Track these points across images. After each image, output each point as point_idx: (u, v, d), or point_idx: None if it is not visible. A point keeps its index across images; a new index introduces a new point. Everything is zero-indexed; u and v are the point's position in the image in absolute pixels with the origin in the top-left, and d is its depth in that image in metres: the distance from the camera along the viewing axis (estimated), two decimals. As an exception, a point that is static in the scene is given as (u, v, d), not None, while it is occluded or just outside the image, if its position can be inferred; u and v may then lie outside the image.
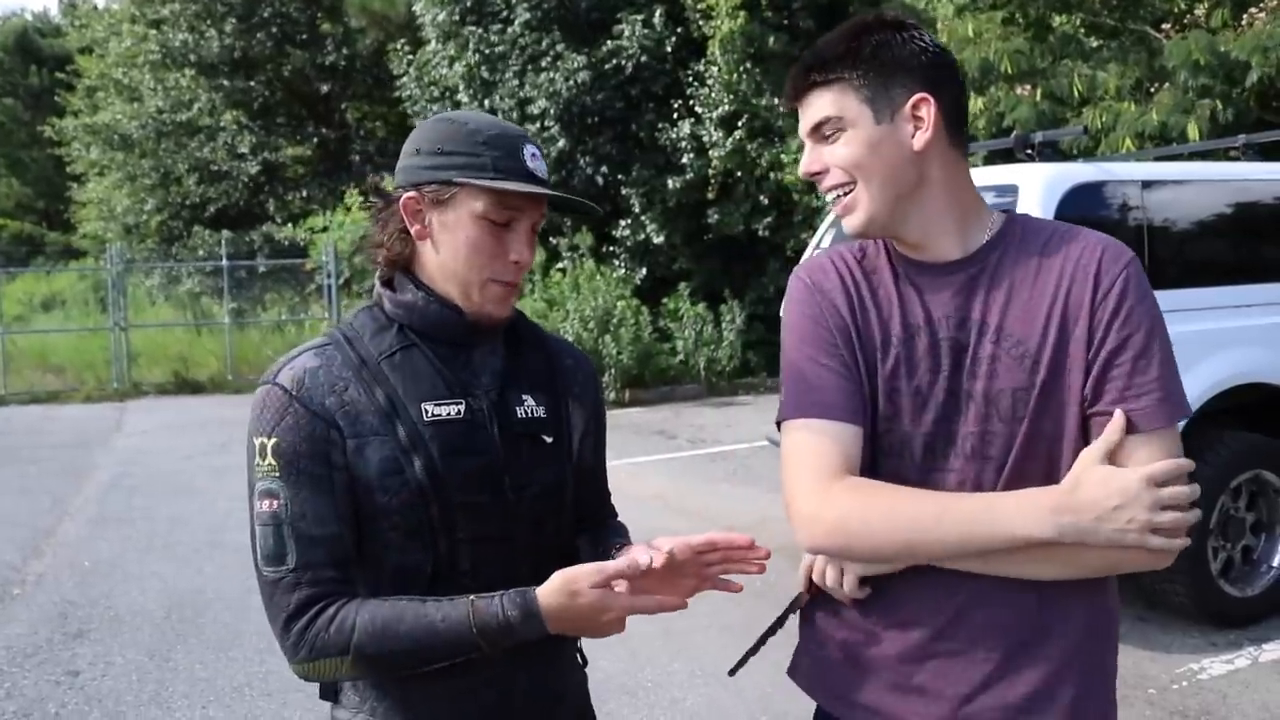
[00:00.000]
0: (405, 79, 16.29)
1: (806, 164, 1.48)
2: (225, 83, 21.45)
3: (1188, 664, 4.38)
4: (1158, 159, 6.59)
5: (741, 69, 12.85)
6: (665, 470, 8.44)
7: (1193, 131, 8.29)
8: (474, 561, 1.43)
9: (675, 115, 13.76)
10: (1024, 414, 1.39)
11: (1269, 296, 4.83)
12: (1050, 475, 1.39)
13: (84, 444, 10.33)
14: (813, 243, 6.24)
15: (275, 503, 1.38)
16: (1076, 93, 9.28)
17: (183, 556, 6.25)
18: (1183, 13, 9.88)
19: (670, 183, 13.62)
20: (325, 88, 22.53)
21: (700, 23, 13.44)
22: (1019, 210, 4.38)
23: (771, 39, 12.72)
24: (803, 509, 1.40)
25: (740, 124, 13.04)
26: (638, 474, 8.15)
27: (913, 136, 1.41)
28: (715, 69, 13.10)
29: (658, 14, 13.74)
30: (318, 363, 1.43)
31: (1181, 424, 1.39)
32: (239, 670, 4.53)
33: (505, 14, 14.33)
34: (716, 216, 13.67)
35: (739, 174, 13.33)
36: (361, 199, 13.46)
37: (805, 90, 1.45)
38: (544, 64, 13.89)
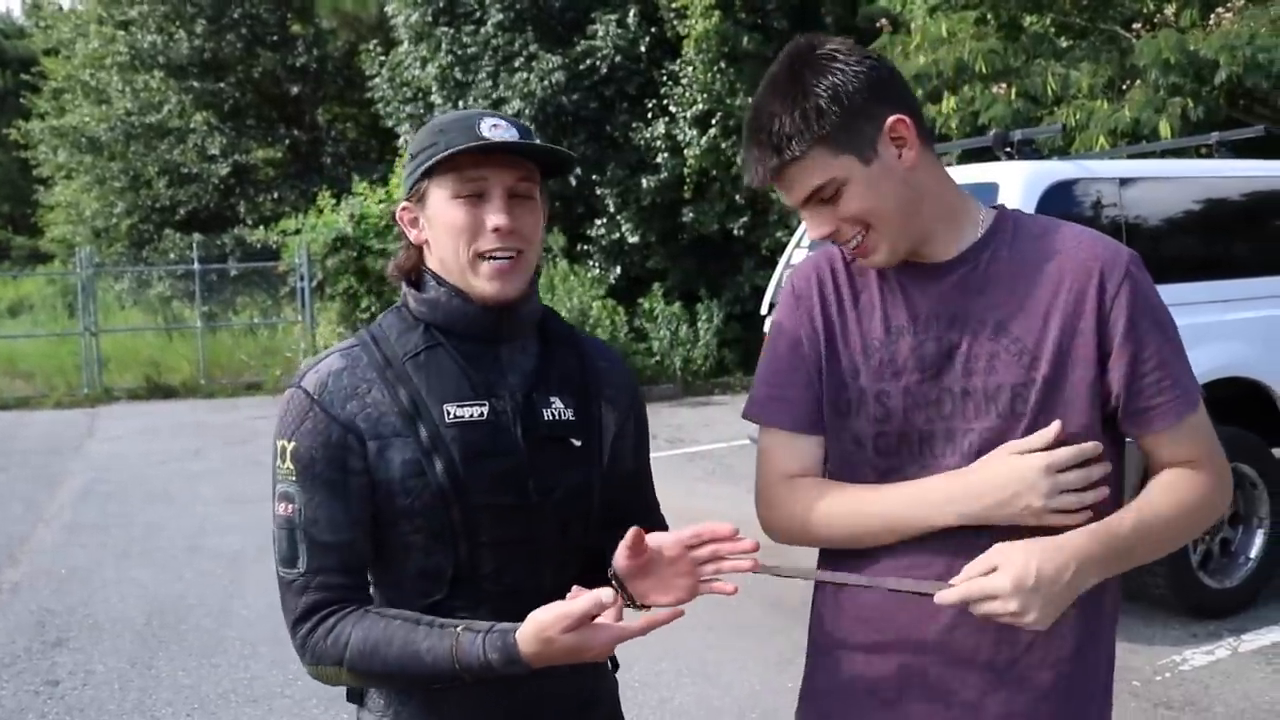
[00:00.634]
0: (377, 80, 16.20)
1: (817, 231, 1.43)
2: (195, 84, 21.26)
3: (1170, 655, 4.43)
4: (1131, 156, 6.67)
5: (716, 69, 12.88)
6: (645, 470, 8.43)
7: (1165, 129, 8.39)
8: (497, 565, 1.41)
9: (650, 115, 13.77)
10: (1024, 410, 1.40)
11: (1244, 291, 4.89)
12: None
13: (56, 450, 10.20)
14: (793, 241, 6.26)
15: (290, 507, 1.38)
16: (1050, 91, 9.36)
17: (161, 563, 6.18)
18: (1152, 13, 9.99)
19: (645, 182, 13.63)
20: (296, 89, 22.38)
21: (674, 22, 13.45)
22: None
23: (746, 39, 12.76)
24: (761, 511, 1.56)
25: (715, 123, 13.07)
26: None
27: (899, 157, 1.40)
28: (690, 69, 13.12)
29: (632, 14, 13.74)
30: (343, 364, 1.42)
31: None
32: (223, 677, 4.49)
33: (478, 14, 14.28)
34: (691, 216, 13.69)
35: (714, 173, 13.35)
36: (319, 210, 13.49)
37: (780, 172, 1.39)
38: (517, 64, 13.85)
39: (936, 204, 1.44)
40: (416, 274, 1.48)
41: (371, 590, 1.46)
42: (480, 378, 1.43)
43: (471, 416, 1.40)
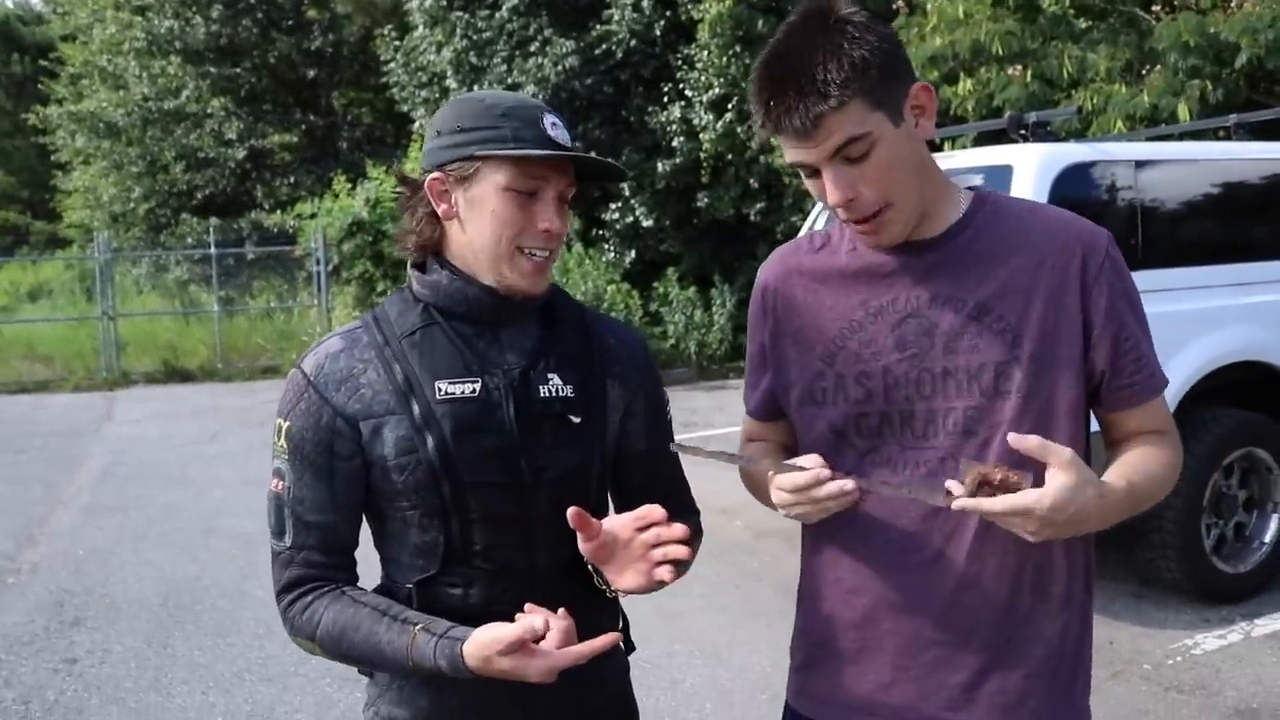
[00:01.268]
0: (392, 65, 16.21)
1: (838, 193, 1.36)
2: (211, 69, 21.29)
3: (1181, 639, 4.42)
4: (1149, 140, 6.61)
5: (731, 52, 12.81)
6: (659, 454, 8.45)
7: (1183, 113, 8.30)
8: (488, 542, 1.42)
9: (665, 99, 13.73)
10: (1009, 388, 1.41)
11: (1260, 275, 4.85)
12: None
13: (75, 433, 10.29)
14: (806, 225, 6.25)
15: (281, 484, 1.44)
16: (1067, 74, 9.27)
17: (178, 544, 6.24)
18: (1172, -6, 9.88)
19: (660, 166, 13.60)
20: (312, 74, 22.40)
21: (689, 6, 13.39)
22: (1014, 191, 4.41)
23: (760, 22, 12.68)
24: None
25: (730, 107, 13.02)
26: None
27: (916, 126, 1.39)
28: (705, 53, 13.07)
29: (646, -2, 13.70)
30: (341, 346, 1.44)
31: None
32: (238, 656, 4.53)
33: (493, -1, 14.28)
34: (706, 200, 13.66)
35: (729, 157, 13.31)
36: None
37: (821, 119, 1.31)
38: (532, 49, 13.83)
39: (930, 181, 1.45)
40: (424, 255, 1.47)
41: (379, 564, 1.49)
42: (474, 356, 1.43)
43: (463, 393, 1.40)
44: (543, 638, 1.27)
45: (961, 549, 1.43)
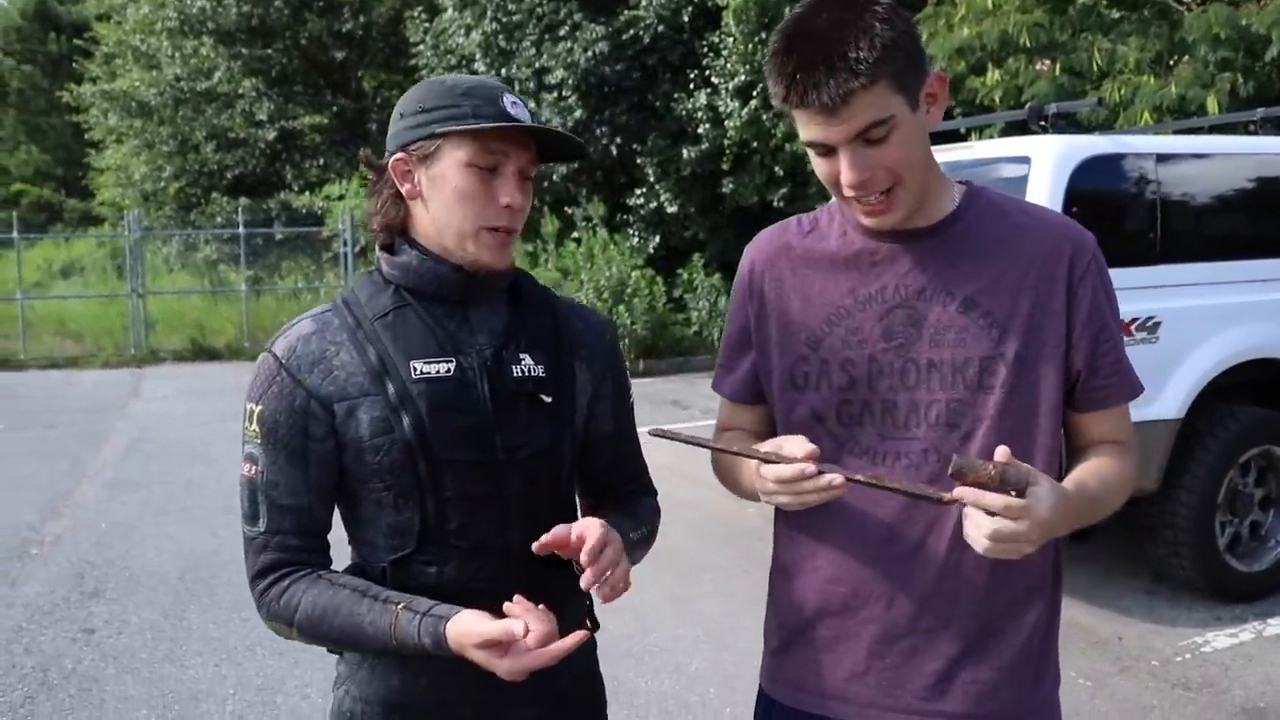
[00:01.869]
0: (422, 47, 16.24)
1: (855, 174, 1.36)
2: (243, 50, 21.38)
3: (1191, 637, 4.40)
4: (1177, 132, 6.54)
5: (756, 39, 12.76)
6: (676, 440, 8.46)
7: (1212, 105, 8.21)
8: (462, 521, 1.44)
9: (691, 85, 13.69)
10: (992, 383, 1.42)
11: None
12: (1028, 442, 1.42)
13: (102, 409, 10.43)
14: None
15: (254, 468, 1.45)
16: (1096, 66, 9.18)
17: (198, 520, 6.32)
18: (1205, -15, 9.75)
19: (685, 152, 13.58)
20: (342, 55, 22.45)
21: (716, -8, 13.35)
22: (1032, 182, 4.38)
23: (786, 9, 12.61)
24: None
25: (756, 94, 12.95)
26: (649, 443, 8.16)
27: (927, 114, 1.40)
28: (730, 39, 13.02)
29: (674, -17, 13.66)
30: (313, 329, 1.46)
31: None
32: (251, 630, 4.59)
33: (523, -17, 14.28)
34: (731, 187, 13.62)
35: (754, 144, 13.26)
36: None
37: (850, 97, 1.31)
38: (561, 33, 13.83)
39: (931, 170, 1.46)
40: (391, 236, 1.49)
41: (348, 546, 1.50)
42: (447, 336, 1.45)
43: (438, 372, 1.42)
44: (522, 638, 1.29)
45: (943, 538, 1.44)
